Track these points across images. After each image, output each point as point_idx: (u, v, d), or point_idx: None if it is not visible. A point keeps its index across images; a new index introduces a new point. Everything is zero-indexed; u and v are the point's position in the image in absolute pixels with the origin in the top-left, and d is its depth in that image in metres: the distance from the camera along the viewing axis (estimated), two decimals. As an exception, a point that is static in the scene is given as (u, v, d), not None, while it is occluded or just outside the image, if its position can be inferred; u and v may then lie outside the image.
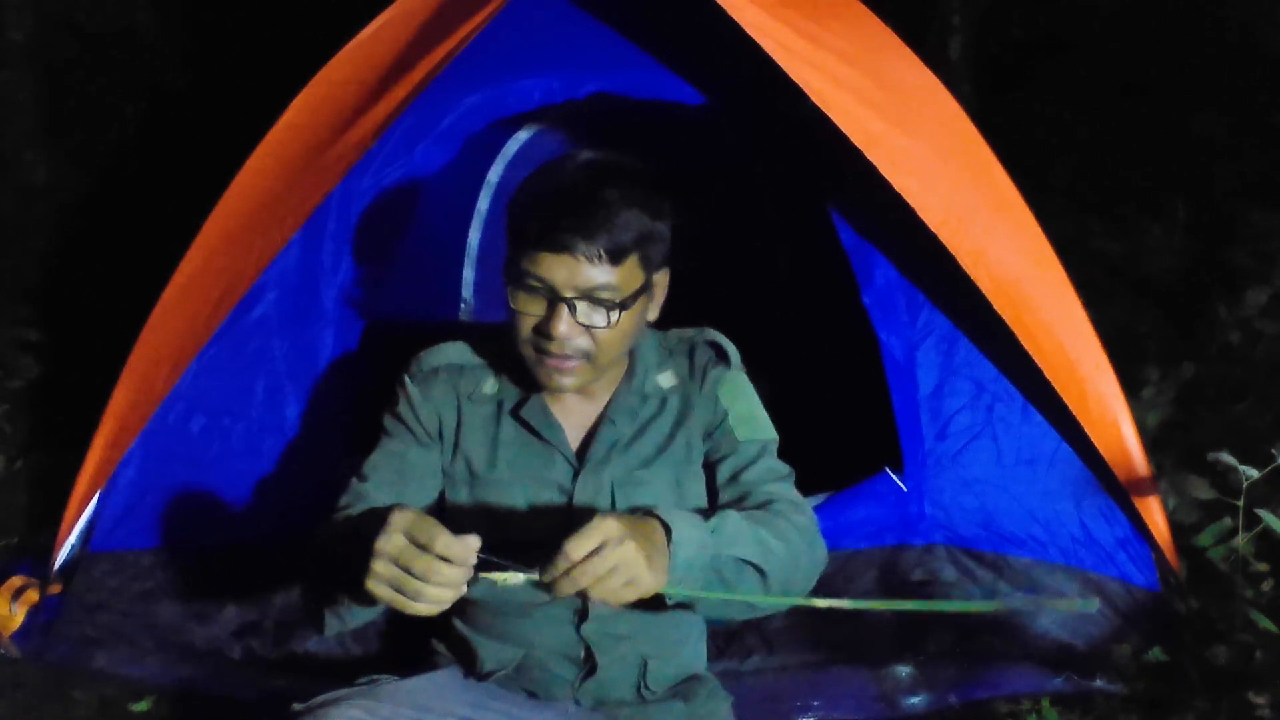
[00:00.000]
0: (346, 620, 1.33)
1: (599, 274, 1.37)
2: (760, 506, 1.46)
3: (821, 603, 1.27)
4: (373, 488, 1.48)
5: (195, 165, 2.84)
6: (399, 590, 1.12)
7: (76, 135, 4.59)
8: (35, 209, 4.30)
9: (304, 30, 3.39)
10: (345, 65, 2.19)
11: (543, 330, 1.39)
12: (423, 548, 1.12)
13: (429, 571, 1.11)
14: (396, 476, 1.50)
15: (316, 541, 1.35)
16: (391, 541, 1.13)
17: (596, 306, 1.39)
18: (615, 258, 1.37)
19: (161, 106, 4.68)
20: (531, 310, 1.40)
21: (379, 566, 1.13)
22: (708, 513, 1.34)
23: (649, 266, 1.43)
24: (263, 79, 2.98)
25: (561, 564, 1.15)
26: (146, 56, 4.84)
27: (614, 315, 1.40)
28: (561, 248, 1.35)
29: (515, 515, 1.51)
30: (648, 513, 1.26)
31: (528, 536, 1.49)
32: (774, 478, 1.53)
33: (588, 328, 1.40)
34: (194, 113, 4.47)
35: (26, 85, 4.48)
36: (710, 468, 1.55)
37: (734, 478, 1.52)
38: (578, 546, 1.15)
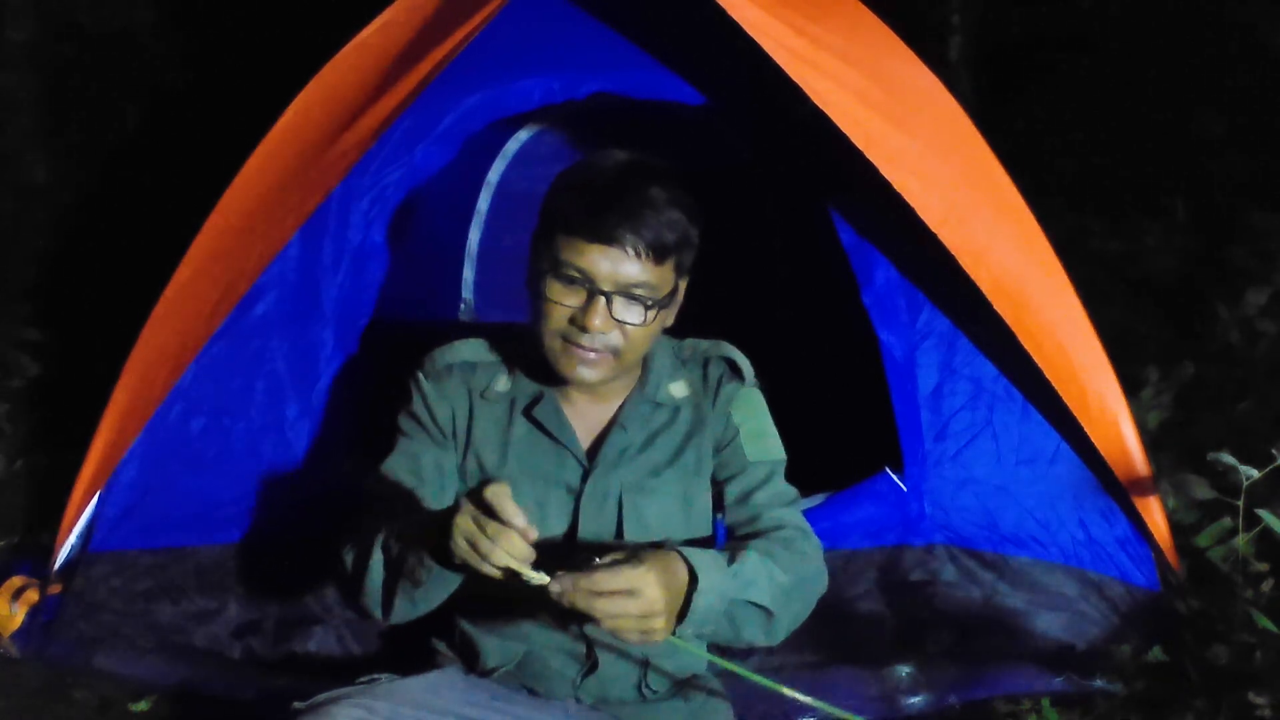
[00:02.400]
0: (419, 601, 1.35)
1: (641, 270, 1.38)
2: (769, 532, 1.47)
3: (787, 691, 1.36)
4: (391, 490, 1.49)
5: (195, 165, 2.83)
6: (473, 547, 1.16)
7: (76, 135, 4.58)
8: (35, 209, 4.30)
9: (304, 30, 3.38)
10: (345, 65, 2.19)
11: (577, 321, 1.40)
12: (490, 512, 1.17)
13: (497, 534, 1.15)
14: (412, 480, 1.51)
15: (386, 534, 1.36)
16: (466, 507, 1.18)
17: (633, 303, 1.40)
18: (659, 256, 1.39)
19: (161, 106, 4.68)
20: (566, 301, 1.40)
21: (460, 520, 1.17)
22: (732, 549, 1.36)
23: (680, 271, 1.45)
24: (263, 79, 2.97)
25: (583, 584, 1.16)
26: (146, 56, 4.83)
27: (649, 314, 1.41)
28: (610, 239, 1.36)
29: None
30: (678, 551, 1.27)
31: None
32: (782, 502, 1.54)
33: (621, 323, 1.40)
34: (194, 113, 4.46)
35: (26, 85, 4.48)
36: (718, 485, 1.56)
37: (744, 499, 1.53)
38: (606, 580, 1.17)
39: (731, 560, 1.33)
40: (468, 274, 2.94)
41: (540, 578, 1.17)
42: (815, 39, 1.93)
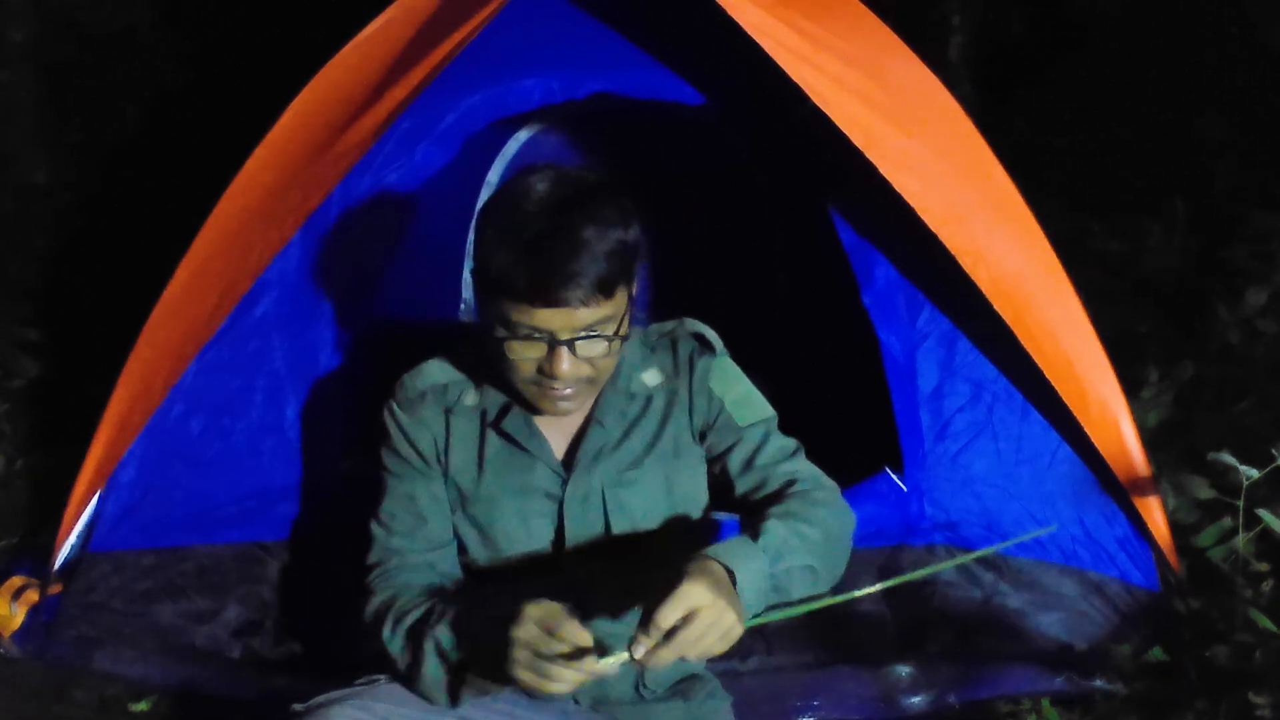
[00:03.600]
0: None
1: (594, 311, 1.36)
2: (783, 489, 1.47)
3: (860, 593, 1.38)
4: (399, 539, 1.50)
5: (195, 165, 2.83)
6: (537, 673, 1.22)
7: (76, 135, 4.58)
8: (35, 209, 4.30)
9: (304, 30, 3.38)
10: (345, 65, 2.19)
11: (545, 370, 1.39)
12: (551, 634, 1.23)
13: (560, 663, 1.21)
14: (414, 521, 1.51)
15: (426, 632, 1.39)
16: (525, 629, 1.24)
17: (595, 340, 1.38)
18: (609, 292, 1.36)
19: (161, 106, 4.68)
20: (529, 355, 1.38)
21: (517, 653, 1.23)
22: (752, 525, 1.36)
23: (630, 282, 1.43)
24: (263, 79, 2.97)
25: (655, 635, 1.19)
26: (146, 56, 4.82)
27: (613, 344, 1.40)
28: (557, 302, 1.33)
29: (507, 529, 1.51)
30: (706, 555, 1.28)
31: (520, 550, 1.50)
32: (786, 455, 1.54)
33: (588, 359, 1.39)
34: (194, 113, 4.46)
35: (26, 85, 4.47)
36: (720, 459, 1.55)
37: (748, 465, 1.53)
38: (668, 615, 1.19)
39: (756, 536, 1.33)
40: (468, 274, 2.94)
41: (619, 658, 1.23)
42: (816, 39, 1.93)
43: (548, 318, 1.34)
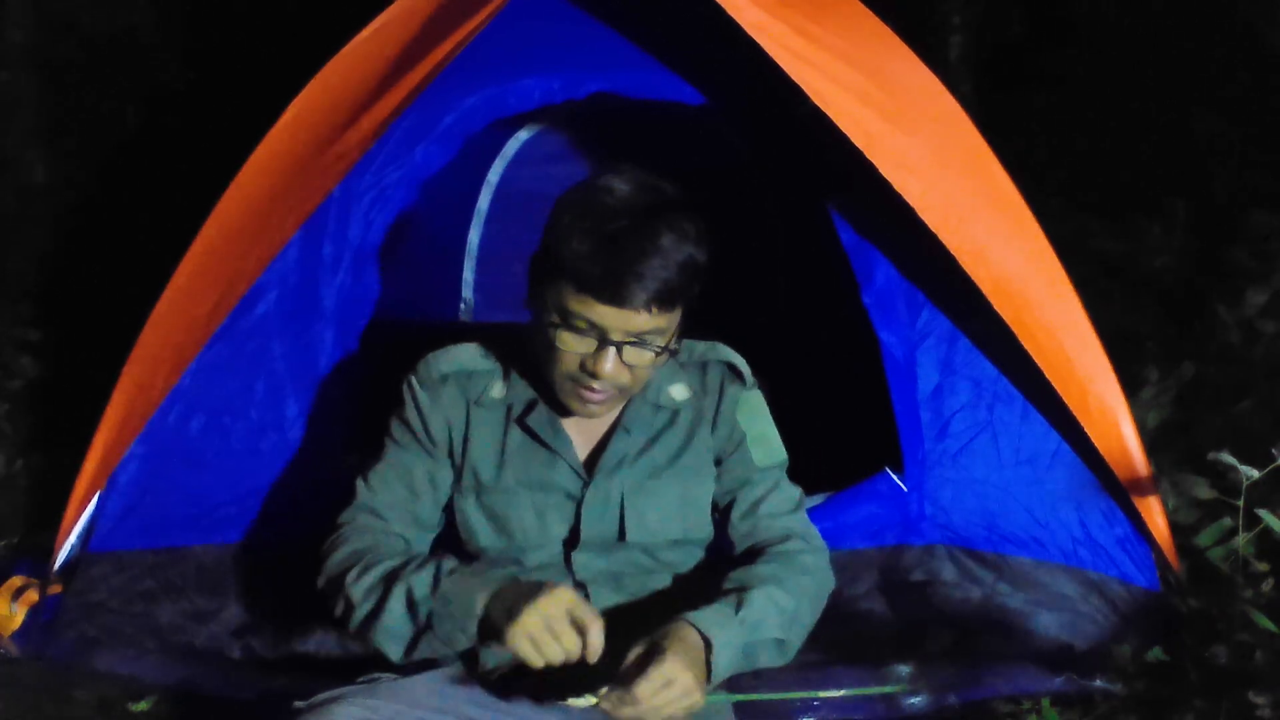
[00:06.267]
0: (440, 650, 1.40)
1: (651, 319, 1.36)
2: (775, 542, 1.51)
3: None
4: (382, 504, 1.50)
5: (195, 165, 2.83)
6: (537, 646, 1.27)
7: (76, 135, 4.58)
8: (35, 209, 4.30)
9: (304, 30, 3.38)
10: (345, 65, 2.19)
11: (587, 367, 1.39)
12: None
13: (571, 647, 1.27)
14: (405, 493, 1.51)
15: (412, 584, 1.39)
16: (553, 607, 1.28)
17: (644, 349, 1.39)
18: (670, 305, 1.37)
19: (161, 107, 4.68)
20: (577, 349, 1.39)
21: (531, 622, 1.26)
22: (737, 591, 1.41)
23: (691, 299, 1.43)
24: (263, 79, 2.97)
25: (629, 703, 1.24)
26: (146, 57, 4.83)
27: (660, 357, 1.41)
28: (623, 301, 1.34)
29: (522, 522, 1.51)
30: (687, 620, 1.33)
31: (532, 544, 1.51)
32: (788, 508, 1.56)
33: (630, 366, 1.40)
34: (194, 113, 4.47)
35: (26, 85, 4.48)
36: (728, 493, 1.56)
37: (752, 509, 1.55)
38: (647, 690, 1.24)
39: (739, 607, 1.37)
40: (468, 274, 2.95)
41: (588, 702, 1.27)
42: (815, 39, 1.93)
43: (606, 314, 1.35)
